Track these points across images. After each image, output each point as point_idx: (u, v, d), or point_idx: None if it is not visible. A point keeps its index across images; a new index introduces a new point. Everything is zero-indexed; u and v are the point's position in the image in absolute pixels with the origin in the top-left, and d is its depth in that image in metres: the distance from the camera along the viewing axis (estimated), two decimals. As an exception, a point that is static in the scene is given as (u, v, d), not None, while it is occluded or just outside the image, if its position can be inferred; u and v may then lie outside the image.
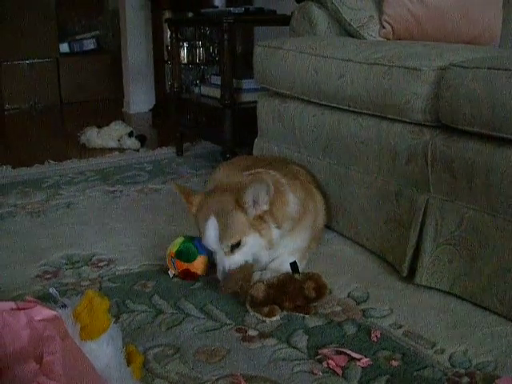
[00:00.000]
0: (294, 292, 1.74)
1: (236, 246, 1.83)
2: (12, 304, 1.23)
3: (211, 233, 1.84)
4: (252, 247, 1.86)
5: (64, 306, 1.31)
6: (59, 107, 5.88)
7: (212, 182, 2.46)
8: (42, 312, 1.22)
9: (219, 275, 1.85)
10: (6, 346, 1.17)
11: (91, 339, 1.27)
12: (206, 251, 1.94)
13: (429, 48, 2.06)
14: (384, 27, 2.53)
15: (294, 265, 1.85)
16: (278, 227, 1.90)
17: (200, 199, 1.94)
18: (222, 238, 1.82)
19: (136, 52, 5.33)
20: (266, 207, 1.87)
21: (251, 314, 1.74)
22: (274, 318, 1.71)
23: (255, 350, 1.57)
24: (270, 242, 1.90)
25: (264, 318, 1.71)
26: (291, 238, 1.98)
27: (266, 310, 1.72)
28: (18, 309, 1.22)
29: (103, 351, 1.28)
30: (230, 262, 1.83)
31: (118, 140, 3.98)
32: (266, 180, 1.87)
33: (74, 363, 1.16)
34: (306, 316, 1.73)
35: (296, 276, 1.79)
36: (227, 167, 2.47)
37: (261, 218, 1.86)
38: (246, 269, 1.84)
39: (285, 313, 1.74)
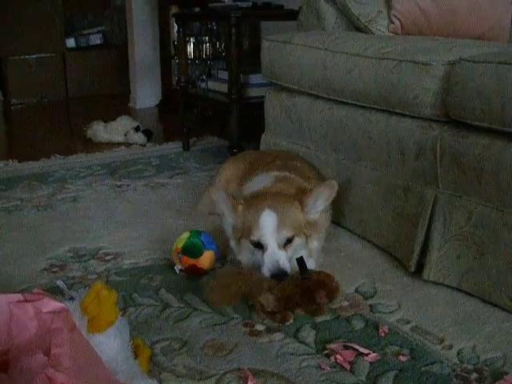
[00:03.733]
0: (304, 300, 1.69)
1: (289, 242, 1.78)
2: (19, 296, 1.23)
3: (267, 223, 1.77)
4: (298, 251, 1.82)
5: (71, 298, 1.31)
6: (65, 102, 5.88)
7: (220, 177, 2.48)
8: (50, 304, 1.22)
9: (271, 270, 1.76)
10: (13, 338, 1.18)
11: (99, 332, 1.27)
12: (213, 246, 1.94)
13: (438, 43, 2.05)
14: (393, 22, 2.52)
15: (301, 261, 1.78)
16: (319, 238, 1.91)
17: (247, 199, 1.89)
18: (279, 228, 1.76)
19: (142, 47, 5.32)
20: (317, 216, 1.86)
21: (260, 321, 1.68)
22: (288, 323, 1.66)
23: (263, 345, 1.57)
24: (309, 252, 1.89)
25: (279, 324, 1.65)
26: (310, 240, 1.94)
27: (279, 316, 1.66)
28: (26, 301, 1.22)
29: (110, 344, 1.28)
30: (283, 257, 1.77)
31: (125, 134, 3.97)
32: (334, 185, 1.84)
33: (82, 355, 1.16)
34: (319, 319, 1.68)
35: (305, 278, 1.72)
36: (234, 163, 2.47)
37: (310, 224, 1.84)
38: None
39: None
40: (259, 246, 1.81)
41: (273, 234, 1.77)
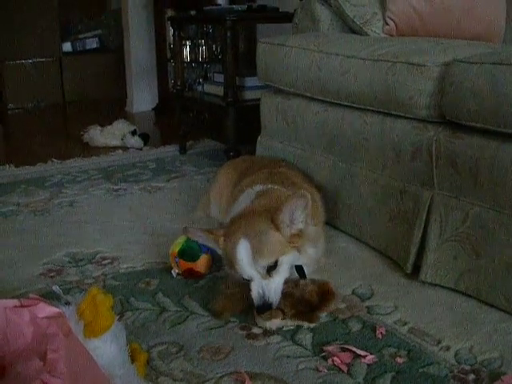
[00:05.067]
0: (294, 296, 1.67)
1: (273, 268, 1.68)
2: (15, 301, 1.23)
3: (242, 255, 1.67)
4: (290, 265, 1.74)
5: (67, 303, 1.31)
6: (62, 106, 5.88)
7: (214, 186, 2.48)
8: (46, 309, 1.22)
9: (256, 302, 1.66)
10: (9, 344, 1.17)
11: (95, 336, 1.27)
12: (209, 249, 1.93)
13: (433, 44, 2.05)
14: (387, 24, 2.52)
15: (300, 269, 1.78)
16: (314, 244, 1.85)
17: (226, 229, 1.80)
18: (255, 258, 1.66)
19: (139, 51, 5.32)
20: (301, 225, 1.75)
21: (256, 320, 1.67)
22: (274, 322, 1.63)
23: (260, 348, 1.56)
24: (309, 259, 1.83)
25: (265, 322, 1.64)
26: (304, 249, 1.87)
27: (267, 314, 1.64)
28: (22, 306, 1.22)
29: (107, 348, 1.28)
30: (270, 285, 1.67)
31: (122, 138, 3.97)
32: (306, 195, 1.72)
33: (78, 360, 1.15)
34: (311, 325, 1.65)
35: (301, 282, 1.72)
36: (228, 171, 2.47)
37: (297, 235, 1.75)
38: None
39: (290, 322, 1.66)
40: (245, 278, 1.73)
41: (251, 266, 1.67)
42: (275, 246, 1.70)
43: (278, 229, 1.71)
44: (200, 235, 1.84)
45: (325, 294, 1.70)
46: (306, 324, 1.66)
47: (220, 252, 1.83)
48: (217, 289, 1.82)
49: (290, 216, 1.72)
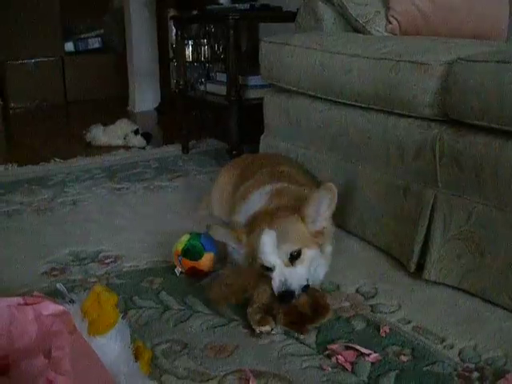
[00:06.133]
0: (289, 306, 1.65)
1: (297, 257, 1.69)
2: (20, 299, 1.23)
3: (266, 242, 1.70)
4: (313, 263, 1.74)
5: (72, 301, 1.31)
6: (64, 106, 5.88)
7: (216, 186, 2.48)
8: (50, 307, 1.22)
9: (278, 289, 1.66)
10: (14, 341, 1.17)
11: (99, 334, 1.27)
12: (213, 248, 1.94)
13: (436, 42, 2.05)
14: (390, 22, 2.52)
15: None
16: (331, 243, 1.86)
17: (248, 226, 1.82)
18: (279, 244, 1.69)
19: (141, 50, 5.33)
20: (326, 222, 1.78)
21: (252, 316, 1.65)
22: (264, 329, 1.60)
23: (264, 346, 1.56)
24: (326, 258, 1.83)
25: (254, 327, 1.61)
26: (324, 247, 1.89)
27: (257, 317, 1.62)
28: (26, 304, 1.22)
29: (111, 346, 1.28)
30: (293, 274, 1.67)
31: (124, 138, 3.98)
32: (332, 188, 1.75)
33: (82, 358, 1.16)
34: (301, 336, 1.60)
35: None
36: (230, 170, 2.48)
37: (321, 232, 1.78)
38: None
39: (279, 328, 1.63)
40: (268, 268, 1.73)
41: (274, 251, 1.70)
42: (300, 234, 1.74)
43: (304, 222, 1.75)
44: (222, 233, 1.86)
45: (319, 308, 1.66)
46: (296, 333, 1.62)
47: (235, 251, 1.86)
48: (216, 278, 1.81)
49: (316, 210, 1.76)
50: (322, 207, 1.77)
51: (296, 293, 1.66)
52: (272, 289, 1.68)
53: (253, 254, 1.76)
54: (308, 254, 1.73)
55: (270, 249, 1.70)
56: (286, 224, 1.74)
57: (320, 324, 1.64)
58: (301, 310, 1.65)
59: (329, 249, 1.86)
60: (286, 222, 1.75)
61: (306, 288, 1.71)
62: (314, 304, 1.66)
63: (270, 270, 1.71)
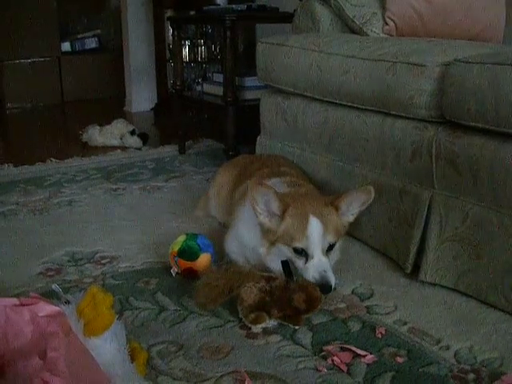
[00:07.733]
0: (282, 300, 1.65)
1: (331, 248, 1.77)
2: (15, 300, 1.23)
3: (314, 229, 1.73)
4: (336, 253, 1.83)
5: (67, 302, 1.31)
6: (61, 106, 5.88)
7: (214, 185, 2.48)
8: (46, 308, 1.22)
9: (316, 281, 1.71)
10: (9, 342, 1.17)
11: (95, 335, 1.26)
12: (209, 248, 1.93)
13: (433, 44, 2.05)
14: (387, 24, 2.52)
15: (285, 264, 1.77)
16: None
17: (291, 202, 1.80)
18: (325, 235, 1.74)
19: (138, 50, 5.32)
20: (352, 219, 1.86)
21: (240, 317, 1.66)
22: (260, 326, 1.63)
23: (259, 347, 1.56)
24: (339, 254, 1.90)
25: (249, 325, 1.63)
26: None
27: (252, 316, 1.63)
28: (22, 305, 1.22)
29: (107, 347, 1.28)
30: (328, 266, 1.75)
31: (120, 138, 3.98)
32: (371, 191, 1.83)
33: (78, 359, 1.15)
34: (296, 327, 1.63)
35: (291, 283, 1.69)
36: (227, 170, 2.48)
37: (344, 226, 1.85)
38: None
39: (273, 321, 1.65)
40: (302, 253, 1.76)
41: (319, 242, 1.74)
42: (339, 227, 1.81)
43: (337, 213, 1.81)
44: (265, 192, 1.78)
45: (312, 301, 1.67)
46: (290, 325, 1.65)
47: (266, 221, 1.81)
48: (200, 281, 1.78)
49: (347, 206, 1.82)
50: (353, 205, 1.83)
51: (333, 287, 1.73)
52: (258, 284, 1.66)
53: (286, 233, 1.77)
54: (337, 245, 1.81)
55: (316, 236, 1.74)
56: (328, 214, 1.78)
57: (312, 314, 1.68)
58: (296, 306, 1.65)
59: (340, 242, 1.90)
60: (327, 212, 1.79)
61: (288, 269, 1.76)
62: (308, 299, 1.67)
63: (302, 254, 1.75)
